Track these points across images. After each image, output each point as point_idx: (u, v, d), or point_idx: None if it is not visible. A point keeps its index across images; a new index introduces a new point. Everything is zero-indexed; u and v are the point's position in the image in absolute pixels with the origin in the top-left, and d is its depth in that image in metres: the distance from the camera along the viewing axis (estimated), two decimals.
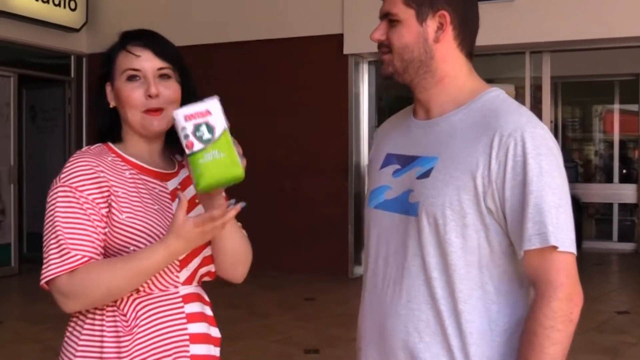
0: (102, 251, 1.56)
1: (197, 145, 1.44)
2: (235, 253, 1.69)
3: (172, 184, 1.70)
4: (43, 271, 1.51)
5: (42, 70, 9.25)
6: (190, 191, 1.68)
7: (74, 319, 1.64)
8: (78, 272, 1.50)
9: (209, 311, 1.72)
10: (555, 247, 1.40)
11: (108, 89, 1.68)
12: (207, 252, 1.68)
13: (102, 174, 1.57)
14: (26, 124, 9.58)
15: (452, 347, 1.47)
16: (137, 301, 1.59)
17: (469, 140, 1.48)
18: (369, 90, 8.45)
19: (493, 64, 8.79)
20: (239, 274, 1.73)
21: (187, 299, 1.65)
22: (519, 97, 7.88)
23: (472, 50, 1.60)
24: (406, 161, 1.58)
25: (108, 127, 1.69)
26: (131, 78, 1.62)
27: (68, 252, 1.50)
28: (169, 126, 1.63)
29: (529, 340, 1.41)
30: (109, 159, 1.63)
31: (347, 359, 2.93)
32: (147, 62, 1.63)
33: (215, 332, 1.73)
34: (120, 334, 1.56)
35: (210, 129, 1.46)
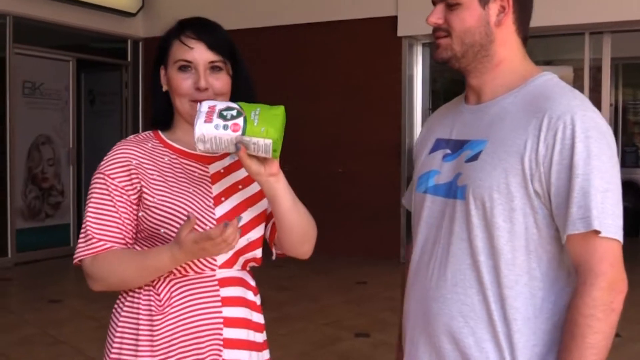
0: (130, 236, 1.65)
1: (239, 120, 1.48)
2: (303, 230, 1.70)
3: (214, 167, 1.71)
4: (75, 253, 1.66)
5: (99, 54, 9.44)
6: (234, 176, 1.71)
7: (120, 297, 1.71)
8: (98, 258, 1.61)
9: (251, 296, 1.72)
10: (598, 232, 1.36)
11: (162, 72, 1.72)
12: (252, 235, 1.68)
13: (134, 161, 1.64)
14: (85, 107, 9.81)
15: (497, 332, 1.45)
16: (172, 282, 1.62)
17: (519, 123, 1.45)
18: (423, 73, 8.36)
19: (551, 45, 8.59)
20: (305, 250, 1.75)
21: (225, 282, 1.66)
22: (578, 79, 7.69)
23: (527, 35, 1.57)
24: (456, 146, 1.57)
25: (162, 111, 1.74)
26: (182, 68, 1.66)
27: (92, 238, 1.61)
28: None
29: (570, 329, 1.39)
30: (149, 145, 1.70)
31: None
32: (199, 54, 1.65)
33: (258, 317, 1.73)
34: (154, 312, 1.61)
35: (229, 107, 1.50)
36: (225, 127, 1.47)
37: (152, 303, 1.62)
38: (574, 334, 1.38)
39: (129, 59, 9.64)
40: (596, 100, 7.77)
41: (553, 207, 1.42)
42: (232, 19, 9.14)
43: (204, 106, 1.52)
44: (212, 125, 1.48)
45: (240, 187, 1.70)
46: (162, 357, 1.60)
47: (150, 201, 1.61)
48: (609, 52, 7.61)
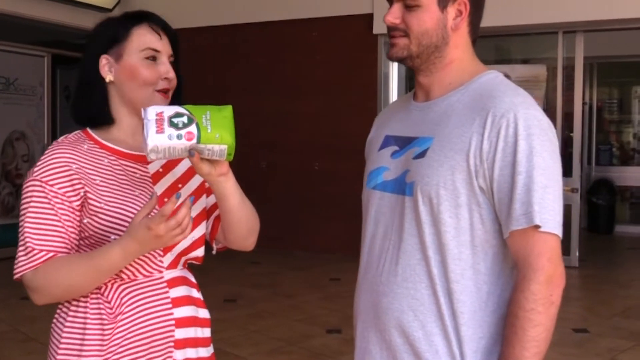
0: (73, 244, 1.56)
1: (191, 128, 1.45)
2: (250, 224, 1.71)
3: (153, 166, 1.68)
4: (14, 267, 1.55)
5: (75, 50, 9.36)
6: (173, 174, 1.69)
7: (59, 310, 1.64)
8: (40, 269, 1.52)
9: (195, 293, 1.71)
10: (537, 227, 1.40)
11: (103, 62, 1.64)
12: (195, 234, 1.68)
13: (74, 165, 1.56)
14: (60, 103, 9.73)
15: (446, 326, 1.49)
16: (121, 287, 1.59)
17: (464, 120, 1.48)
18: (399, 71, 8.38)
19: (526, 44, 8.65)
20: (250, 242, 1.77)
21: (172, 283, 1.65)
22: (552, 78, 7.75)
23: (477, 35, 1.61)
24: (404, 142, 1.59)
25: (99, 106, 1.65)
26: (151, 58, 1.63)
27: (32, 250, 1.52)
28: None
29: (512, 322, 1.43)
30: (85, 147, 1.62)
31: None
32: (166, 45, 1.65)
33: (204, 313, 1.73)
34: (105, 321, 1.56)
35: (178, 114, 1.46)
36: (179, 137, 1.44)
37: (103, 311, 1.57)
38: (515, 327, 1.42)
39: None
40: (569, 99, 7.84)
41: (495, 203, 1.45)
42: (209, 16, 9.14)
43: (150, 113, 1.46)
44: (165, 136, 1.44)
45: (180, 185, 1.68)
46: None
47: (97, 207, 1.56)
48: (582, 51, 7.68)
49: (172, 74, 1.64)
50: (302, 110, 8.35)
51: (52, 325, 1.65)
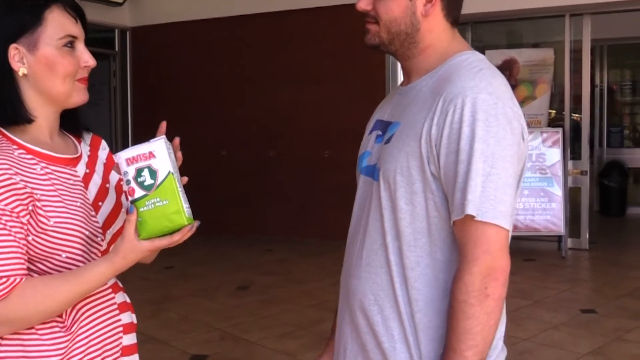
0: (27, 264, 1.38)
1: (138, 192, 1.36)
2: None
3: (80, 168, 1.54)
4: None
5: (87, 44, 9.40)
6: (98, 174, 1.58)
7: None
8: (12, 297, 1.32)
9: (128, 299, 1.64)
10: (472, 217, 1.35)
11: (12, 52, 1.42)
12: (113, 230, 1.56)
13: (17, 177, 1.37)
14: None
15: (401, 312, 1.47)
16: None
17: (423, 106, 1.46)
18: None
19: (533, 28, 8.64)
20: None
21: (114, 289, 1.58)
22: (559, 61, 7.75)
23: (458, 17, 1.58)
24: (385, 127, 1.60)
25: (13, 104, 1.44)
26: (69, 44, 1.45)
27: None
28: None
29: (449, 313, 1.40)
30: (15, 153, 1.41)
31: None
32: (80, 29, 1.49)
33: (135, 319, 1.65)
34: (59, 334, 1.43)
35: (153, 173, 1.35)
36: (127, 182, 1.37)
37: (55, 327, 1.43)
38: (451, 318, 1.38)
39: (117, 49, 9.67)
40: (578, 82, 7.84)
41: (445, 190, 1.42)
42: (218, 7, 9.21)
43: (147, 149, 1.37)
44: (125, 167, 1.37)
45: (107, 185, 1.58)
46: None
47: (46, 225, 1.38)
48: (589, 33, 7.65)
49: (92, 62, 1.48)
50: (312, 98, 8.40)
51: None
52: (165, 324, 5.10)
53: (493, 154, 1.36)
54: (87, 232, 1.45)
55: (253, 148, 8.79)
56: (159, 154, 1.36)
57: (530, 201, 7.27)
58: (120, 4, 9.32)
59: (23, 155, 1.42)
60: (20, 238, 1.35)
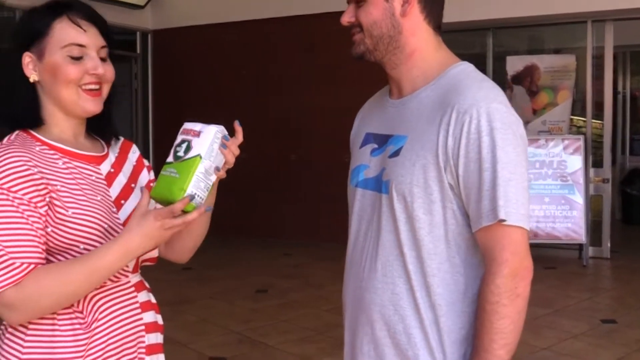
0: (45, 254, 1.42)
1: (170, 158, 1.46)
2: (202, 236, 1.68)
3: (104, 167, 1.58)
4: None
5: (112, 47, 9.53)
6: (124, 174, 1.63)
7: (10, 332, 1.47)
8: (26, 282, 1.36)
9: (153, 298, 1.66)
10: (502, 221, 1.42)
11: (26, 59, 1.50)
12: None
13: (36, 169, 1.42)
14: None
15: (423, 319, 1.52)
16: (90, 295, 1.48)
17: (433, 118, 1.50)
18: None
19: (555, 34, 8.58)
20: (187, 256, 1.72)
21: (138, 287, 1.60)
22: (581, 68, 7.69)
23: (440, 23, 1.61)
24: (382, 140, 1.62)
25: (28, 106, 1.51)
26: (76, 54, 1.49)
27: (13, 263, 1.36)
28: (101, 109, 1.55)
29: (480, 315, 1.46)
30: (37, 149, 1.47)
31: None
32: (93, 38, 1.50)
33: (160, 319, 1.67)
34: (79, 331, 1.46)
35: (188, 149, 1.44)
36: (173, 146, 1.47)
37: (76, 322, 1.46)
38: (483, 319, 1.45)
39: (138, 51, 9.76)
40: (599, 89, 7.78)
41: (463, 199, 1.48)
42: (240, 11, 9.24)
43: (199, 127, 1.47)
44: (179, 135, 1.48)
45: (132, 185, 1.62)
46: None
47: (64, 215, 1.42)
48: (612, 40, 7.60)
49: (100, 69, 1.49)
50: (332, 103, 8.39)
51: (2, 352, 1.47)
52: (184, 326, 5.12)
53: (511, 161, 1.43)
54: (105, 225, 1.48)
55: (274, 151, 8.81)
56: (203, 137, 1.45)
57: (551, 209, 7.21)
58: (142, 7, 9.39)
59: (45, 151, 1.48)
60: (37, 227, 1.40)
